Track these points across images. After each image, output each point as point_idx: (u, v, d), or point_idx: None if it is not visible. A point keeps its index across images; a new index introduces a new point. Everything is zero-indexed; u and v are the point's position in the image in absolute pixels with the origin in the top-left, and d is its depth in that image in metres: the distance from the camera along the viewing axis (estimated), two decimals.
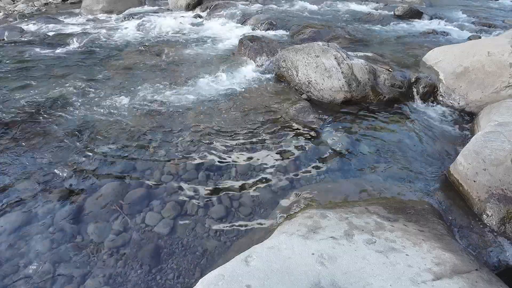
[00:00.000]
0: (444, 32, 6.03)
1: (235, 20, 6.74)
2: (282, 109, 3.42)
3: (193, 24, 6.69)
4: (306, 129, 3.12)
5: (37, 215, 2.21)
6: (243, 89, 3.82)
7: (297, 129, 3.12)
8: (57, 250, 2.00)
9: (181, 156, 2.74)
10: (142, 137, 2.96)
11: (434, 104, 3.67)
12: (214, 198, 2.38)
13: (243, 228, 2.17)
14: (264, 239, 1.74)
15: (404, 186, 2.44)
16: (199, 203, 2.34)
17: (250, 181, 2.52)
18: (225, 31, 6.19)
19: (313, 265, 1.48)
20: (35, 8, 8.54)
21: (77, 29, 6.34)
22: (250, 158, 2.74)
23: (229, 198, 2.38)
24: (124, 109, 3.39)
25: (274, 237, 1.74)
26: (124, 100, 3.55)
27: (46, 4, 9.04)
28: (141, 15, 7.27)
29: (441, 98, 3.68)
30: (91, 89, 3.79)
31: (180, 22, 6.74)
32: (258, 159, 2.73)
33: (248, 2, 8.05)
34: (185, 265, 1.94)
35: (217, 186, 2.47)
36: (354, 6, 7.88)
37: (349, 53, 4.02)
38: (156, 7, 8.32)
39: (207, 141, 2.92)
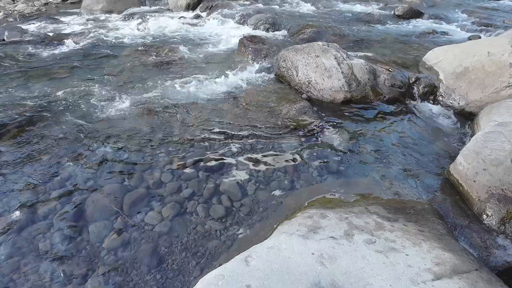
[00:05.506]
0: (444, 32, 6.03)
1: (235, 20, 6.74)
2: (282, 109, 3.42)
3: (193, 24, 6.68)
4: (306, 129, 3.12)
5: (37, 214, 2.21)
6: (243, 89, 3.82)
7: (297, 129, 3.12)
8: (58, 249, 2.00)
9: (181, 155, 2.74)
10: (142, 137, 2.96)
11: (434, 104, 3.67)
12: (214, 198, 2.38)
13: (243, 228, 2.17)
14: (264, 239, 1.74)
15: (404, 186, 2.44)
16: (199, 202, 2.34)
17: (250, 180, 2.52)
18: (225, 31, 6.19)
19: (313, 265, 1.48)
20: (35, 8, 8.54)
21: (77, 29, 6.34)
22: (250, 158, 2.74)
23: (229, 198, 2.38)
24: (124, 108, 3.39)
25: (274, 237, 1.74)
26: (124, 100, 3.55)
27: (46, 4, 9.04)
28: (141, 15, 7.26)
29: (441, 98, 3.68)
30: (91, 89, 3.79)
31: (180, 22, 6.74)
32: (258, 159, 2.73)
33: (248, 2, 8.05)
34: (185, 265, 1.94)
35: (217, 186, 2.47)
36: (354, 6, 7.88)
37: (349, 53, 4.02)
38: (156, 7, 8.32)
39: (207, 141, 2.92)
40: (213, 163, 2.67)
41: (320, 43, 4.04)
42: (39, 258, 1.96)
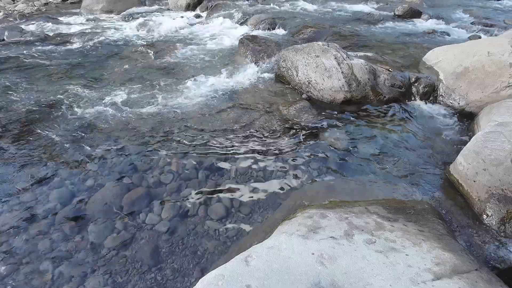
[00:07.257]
0: (444, 32, 6.03)
1: (235, 20, 6.74)
2: (282, 109, 3.42)
3: (193, 24, 6.69)
4: (306, 129, 3.12)
5: (37, 214, 2.21)
6: (243, 89, 3.82)
7: (297, 129, 3.12)
8: (58, 249, 2.00)
9: (181, 155, 2.74)
10: (142, 137, 2.96)
11: (434, 104, 3.67)
12: (214, 198, 2.38)
13: (243, 228, 2.17)
14: (264, 239, 1.74)
15: (404, 186, 2.44)
16: (199, 202, 2.34)
17: (250, 180, 2.52)
18: (225, 31, 6.19)
19: (313, 265, 1.48)
20: (35, 8, 8.54)
21: (77, 29, 6.35)
22: (250, 158, 2.74)
23: (229, 198, 2.38)
24: (125, 109, 3.39)
25: (274, 237, 1.73)
26: (125, 100, 3.55)
27: (46, 4, 9.04)
28: (141, 15, 7.27)
29: (441, 98, 3.68)
30: (91, 89, 3.80)
31: (180, 22, 6.74)
32: (258, 159, 2.73)
33: (248, 2, 8.05)
34: (185, 265, 1.94)
35: (217, 186, 2.47)
36: (354, 6, 7.88)
37: (349, 53, 4.02)
38: (156, 7, 8.32)
39: (207, 141, 2.92)
40: (212, 162, 2.67)
41: (320, 43, 4.04)
42: (38, 258, 1.96)
